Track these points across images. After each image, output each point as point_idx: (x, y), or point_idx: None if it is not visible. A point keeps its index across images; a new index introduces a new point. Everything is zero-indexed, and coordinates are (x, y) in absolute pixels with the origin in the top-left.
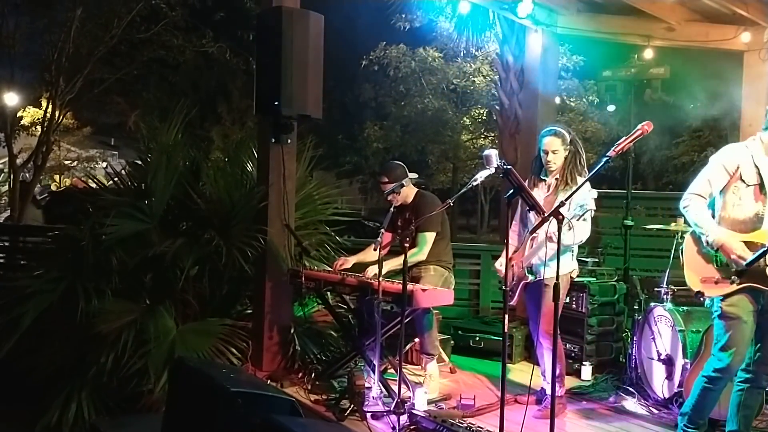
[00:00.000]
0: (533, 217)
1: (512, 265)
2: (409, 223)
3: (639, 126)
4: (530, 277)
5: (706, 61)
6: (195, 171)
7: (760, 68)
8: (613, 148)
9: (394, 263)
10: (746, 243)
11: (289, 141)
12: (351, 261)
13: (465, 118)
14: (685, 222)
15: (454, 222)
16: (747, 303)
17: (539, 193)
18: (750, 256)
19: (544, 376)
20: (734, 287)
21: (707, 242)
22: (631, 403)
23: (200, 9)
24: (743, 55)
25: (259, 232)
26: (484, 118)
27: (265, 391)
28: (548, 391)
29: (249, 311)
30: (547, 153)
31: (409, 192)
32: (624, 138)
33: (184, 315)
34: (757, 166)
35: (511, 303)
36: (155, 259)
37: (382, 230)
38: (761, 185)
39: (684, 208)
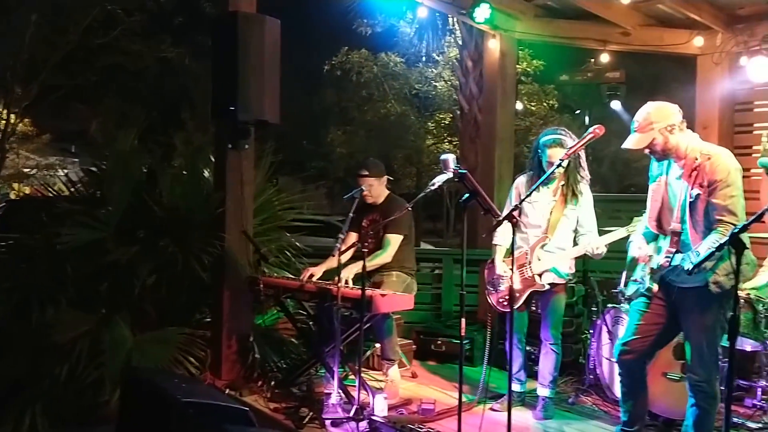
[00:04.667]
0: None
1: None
2: (376, 224)
3: (590, 129)
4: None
5: (661, 65)
6: (152, 178)
7: (713, 72)
8: (565, 152)
9: (361, 266)
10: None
11: (246, 146)
12: (320, 270)
13: (429, 123)
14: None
15: (419, 226)
16: None
17: (544, 198)
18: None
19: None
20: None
21: None
22: (590, 404)
23: (159, 14)
24: (696, 59)
25: (217, 239)
26: (447, 122)
27: (219, 401)
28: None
29: (208, 319)
30: (552, 164)
31: (381, 192)
32: (575, 142)
33: (141, 324)
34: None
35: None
36: (111, 268)
37: (341, 235)
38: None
39: None
